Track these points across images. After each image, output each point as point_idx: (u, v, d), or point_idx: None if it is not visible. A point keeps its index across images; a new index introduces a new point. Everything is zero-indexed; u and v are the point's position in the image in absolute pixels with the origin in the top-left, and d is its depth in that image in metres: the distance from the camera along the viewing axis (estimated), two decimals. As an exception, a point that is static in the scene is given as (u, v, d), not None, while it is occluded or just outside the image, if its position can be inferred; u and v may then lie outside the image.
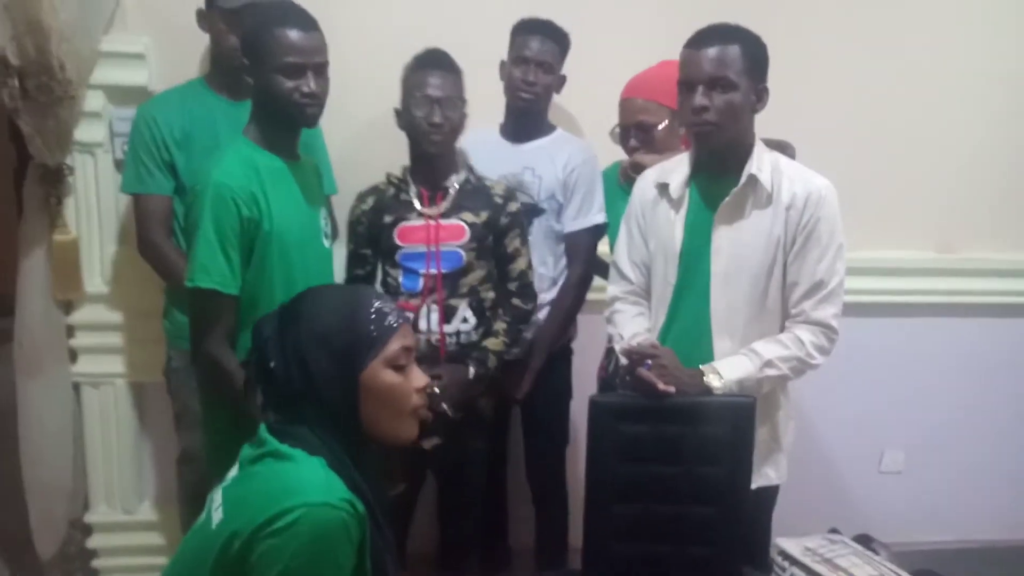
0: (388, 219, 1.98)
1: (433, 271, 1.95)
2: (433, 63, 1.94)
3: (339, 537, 1.09)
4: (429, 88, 1.91)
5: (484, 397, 2.04)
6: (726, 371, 1.73)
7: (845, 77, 2.55)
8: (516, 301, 2.06)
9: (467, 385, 1.94)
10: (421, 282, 1.95)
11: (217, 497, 1.19)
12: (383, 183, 2.03)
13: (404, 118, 1.96)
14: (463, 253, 1.96)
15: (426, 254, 1.95)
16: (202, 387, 1.83)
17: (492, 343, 1.99)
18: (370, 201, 2.02)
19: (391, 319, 1.23)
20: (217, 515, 1.15)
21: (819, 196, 1.74)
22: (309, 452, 1.16)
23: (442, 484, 2.15)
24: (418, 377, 1.26)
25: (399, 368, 1.23)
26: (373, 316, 1.22)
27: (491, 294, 2.02)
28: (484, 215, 1.98)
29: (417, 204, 1.97)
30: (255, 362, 1.23)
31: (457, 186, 1.99)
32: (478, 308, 1.98)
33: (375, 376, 1.21)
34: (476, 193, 2.00)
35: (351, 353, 1.20)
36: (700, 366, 1.75)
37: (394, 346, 1.22)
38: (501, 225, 2.01)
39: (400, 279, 1.97)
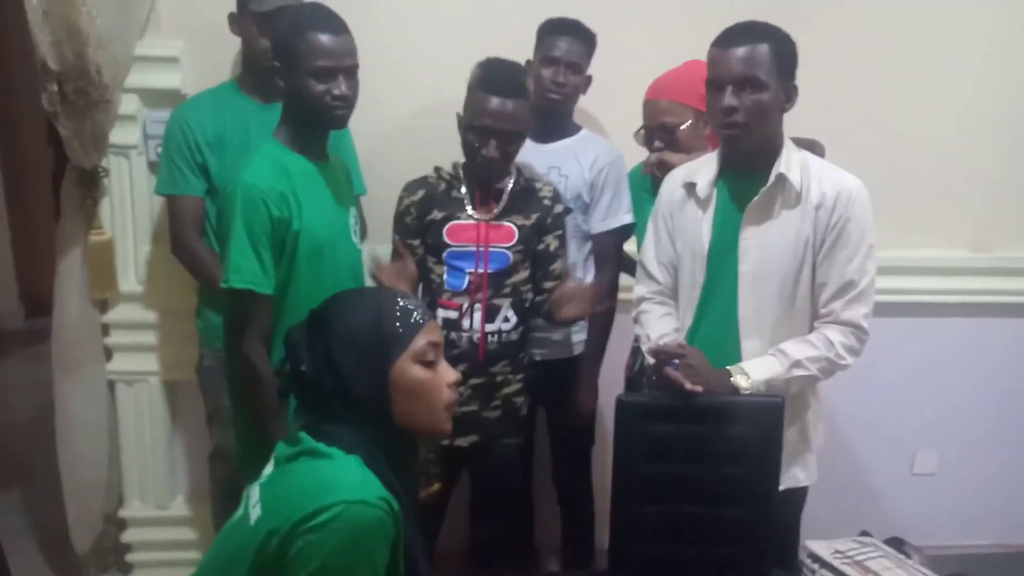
0: (438, 215, 1.95)
1: (480, 270, 1.94)
2: (500, 88, 1.83)
3: (375, 534, 1.11)
4: (488, 118, 1.83)
5: (520, 396, 2.05)
6: (754, 371, 1.72)
7: (876, 74, 2.52)
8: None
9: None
10: (467, 281, 1.95)
11: (254, 494, 1.21)
12: (432, 176, 2.01)
13: (462, 132, 1.91)
14: (510, 254, 1.95)
15: (475, 253, 1.94)
16: (233, 386, 1.86)
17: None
18: (420, 193, 1.99)
19: (416, 316, 1.26)
20: (255, 512, 1.17)
21: (849, 195, 1.72)
22: (345, 450, 1.18)
23: (477, 483, 2.15)
24: (448, 372, 1.28)
25: (428, 364, 1.25)
26: (399, 314, 1.24)
27: (531, 295, 2.01)
28: (533, 217, 1.97)
29: (469, 206, 1.95)
30: (288, 369, 1.26)
31: (509, 187, 1.97)
32: (519, 308, 1.98)
33: (404, 372, 1.23)
34: (525, 195, 1.99)
35: (379, 350, 1.22)
36: (728, 366, 1.74)
37: (421, 341, 1.24)
38: (546, 225, 2.00)
39: (444, 276, 1.96)
